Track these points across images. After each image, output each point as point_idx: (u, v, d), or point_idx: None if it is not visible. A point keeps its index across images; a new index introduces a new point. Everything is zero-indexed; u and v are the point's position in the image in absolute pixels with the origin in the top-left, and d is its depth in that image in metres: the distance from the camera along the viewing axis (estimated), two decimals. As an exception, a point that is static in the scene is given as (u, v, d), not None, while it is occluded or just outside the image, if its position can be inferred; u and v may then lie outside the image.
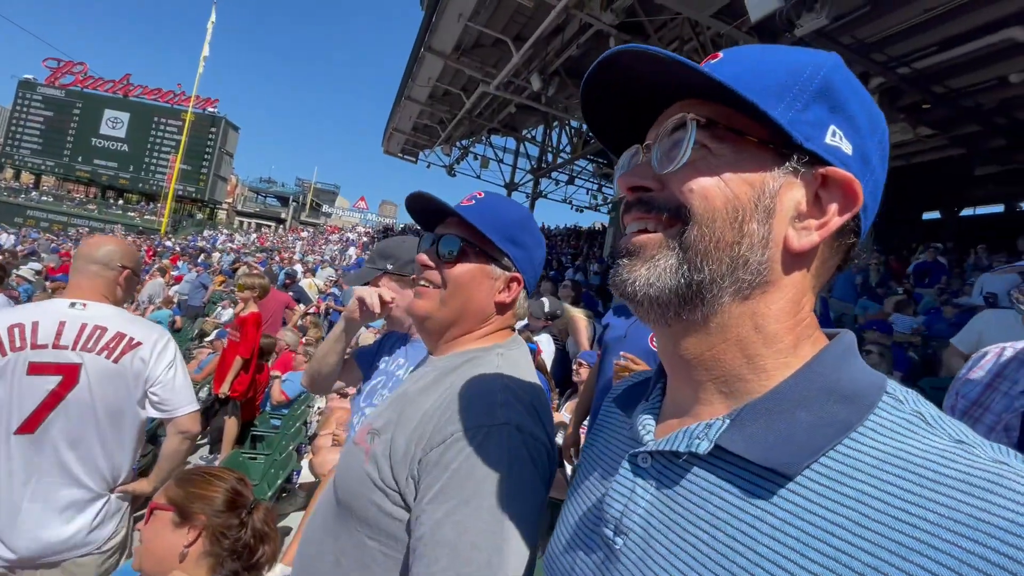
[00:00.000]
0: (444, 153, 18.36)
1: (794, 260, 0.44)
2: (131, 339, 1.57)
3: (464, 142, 19.15)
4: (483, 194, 0.91)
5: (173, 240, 27.83)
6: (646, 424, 0.50)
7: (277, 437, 3.89)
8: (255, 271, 7.92)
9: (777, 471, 0.39)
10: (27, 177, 43.59)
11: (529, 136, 18.46)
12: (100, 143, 43.57)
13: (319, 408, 4.54)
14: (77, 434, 1.49)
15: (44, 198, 40.51)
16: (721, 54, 0.46)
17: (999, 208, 13.31)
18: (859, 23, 6.52)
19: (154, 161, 44.00)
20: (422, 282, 0.89)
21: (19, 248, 16.23)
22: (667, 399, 0.52)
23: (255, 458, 3.45)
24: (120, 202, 42.97)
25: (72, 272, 1.64)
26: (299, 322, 7.08)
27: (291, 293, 7.98)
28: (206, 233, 34.50)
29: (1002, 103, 7.84)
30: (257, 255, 19.68)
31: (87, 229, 31.15)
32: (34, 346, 1.46)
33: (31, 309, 1.54)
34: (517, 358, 0.86)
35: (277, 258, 18.33)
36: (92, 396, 1.50)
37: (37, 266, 9.34)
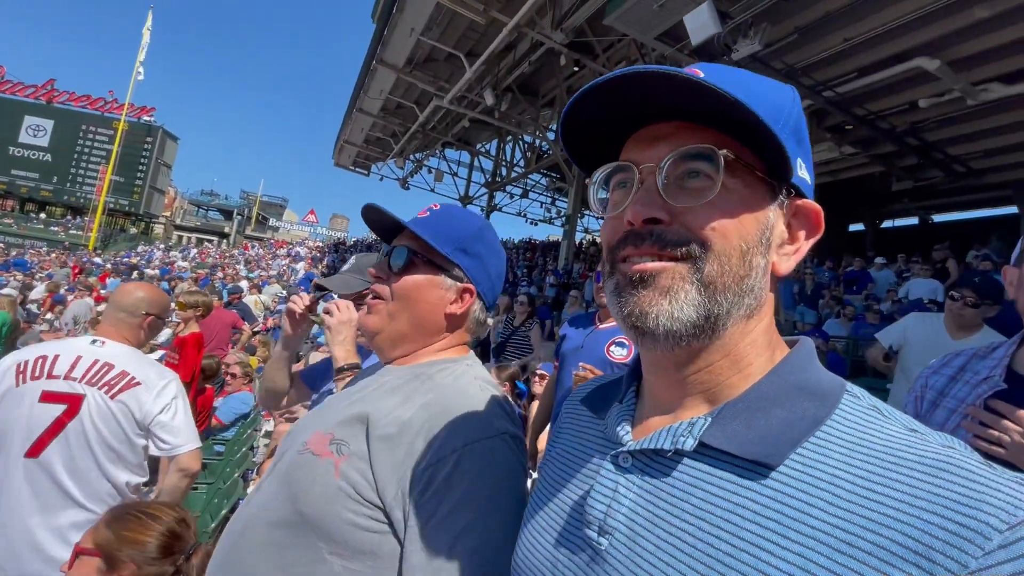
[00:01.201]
0: (397, 166, 18.16)
1: (772, 281, 0.49)
2: (132, 378, 1.66)
3: (418, 155, 19.05)
4: (438, 206, 0.91)
5: (103, 256, 25.98)
6: (623, 425, 0.52)
7: (220, 464, 3.67)
8: (194, 288, 7.51)
9: (760, 462, 0.42)
10: (-69, 188, 39.67)
11: (483, 150, 18.61)
12: (19, 152, 40.15)
13: (266, 431, 4.33)
14: (75, 460, 1.56)
15: (-49, 211, 36.97)
16: (701, 71, 0.44)
17: (914, 220, 14.56)
18: (788, 50, 7.03)
19: (81, 172, 41.02)
20: (371, 296, 0.89)
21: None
22: (645, 401, 0.54)
23: (196, 488, 3.24)
24: (42, 215, 39.73)
25: (103, 314, 1.91)
26: (248, 342, 6.75)
27: (235, 311, 7.61)
28: (140, 248, 32.41)
29: (913, 125, 8.63)
30: (197, 271, 18.67)
31: (2, 244, 28.58)
32: (49, 375, 1.60)
33: (60, 344, 1.72)
34: (482, 372, 0.86)
35: (220, 274, 17.44)
36: (89, 427, 1.58)
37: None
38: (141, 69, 32.91)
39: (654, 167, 0.46)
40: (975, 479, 0.36)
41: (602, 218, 0.51)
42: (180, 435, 1.68)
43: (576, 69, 10.94)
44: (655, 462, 0.47)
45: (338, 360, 1.36)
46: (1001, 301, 2.23)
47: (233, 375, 4.38)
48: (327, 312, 1.41)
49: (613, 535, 0.46)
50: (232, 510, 2.86)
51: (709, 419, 0.46)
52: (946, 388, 1.19)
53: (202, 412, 4.08)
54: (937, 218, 14.00)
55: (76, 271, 16.33)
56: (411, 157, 18.75)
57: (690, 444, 0.45)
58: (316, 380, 1.64)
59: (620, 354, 2.16)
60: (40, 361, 1.61)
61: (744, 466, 0.43)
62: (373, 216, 0.92)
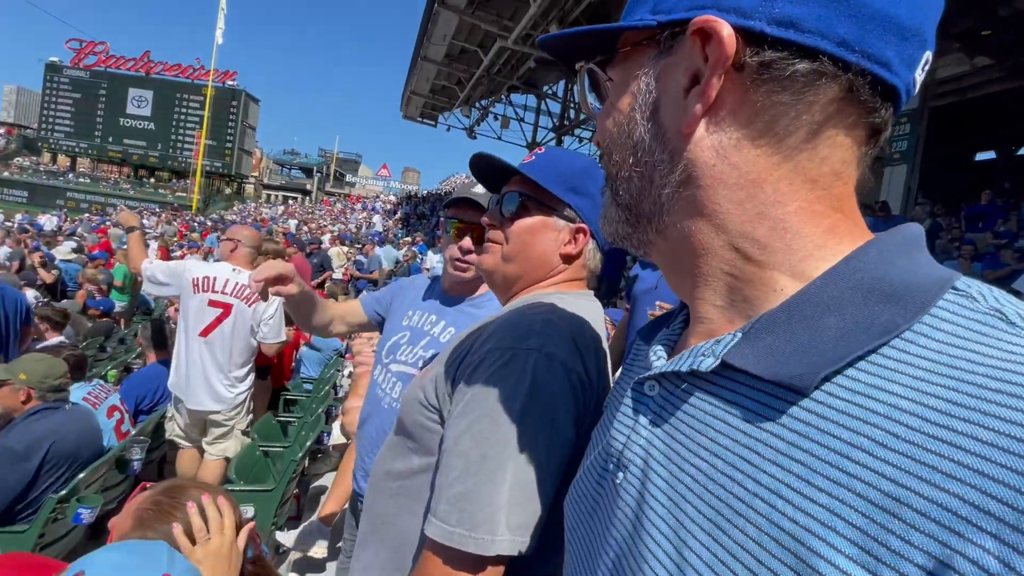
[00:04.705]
0: (464, 115, 17.98)
1: (716, 145, 0.38)
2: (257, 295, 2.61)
3: (484, 102, 18.68)
4: (543, 149, 0.91)
5: (204, 216, 28.49)
6: (657, 350, 0.46)
7: (308, 400, 3.98)
8: (276, 237, 8.03)
9: (787, 385, 0.32)
10: (63, 160, 45.00)
11: (550, 92, 17.86)
12: (128, 122, 44.28)
13: (348, 372, 4.62)
14: (225, 342, 2.79)
15: (81, 180, 41.87)
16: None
17: (1062, 145, 12.26)
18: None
19: (180, 138, 44.63)
20: (488, 241, 0.91)
21: (63, 228, 16.92)
22: (689, 325, 0.46)
23: (291, 422, 3.55)
24: (152, 180, 44.08)
25: (236, 249, 2.91)
26: (326, 286, 7.18)
27: (314, 260, 8.08)
28: (236, 208, 35.17)
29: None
30: (284, 226, 19.99)
31: (123, 207, 32.14)
32: (213, 290, 2.77)
33: (214, 267, 2.84)
34: (579, 304, 0.84)
35: (305, 228, 18.58)
36: (235, 323, 2.80)
37: (73, 244, 9.68)
38: (220, 33, 34.42)
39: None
40: None
41: None
42: (274, 331, 2.93)
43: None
44: (677, 387, 0.41)
45: None
46: None
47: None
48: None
49: (628, 469, 0.42)
50: (318, 442, 3.10)
51: (739, 334, 0.37)
52: None
53: (287, 353, 4.41)
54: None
55: (184, 228, 18.11)
56: (477, 104, 18.42)
57: (708, 364, 0.37)
58: (382, 309, 1.59)
59: None
60: (206, 279, 2.76)
61: (772, 391, 0.34)
62: (481, 164, 0.93)
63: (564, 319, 0.76)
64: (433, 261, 6.29)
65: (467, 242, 1.36)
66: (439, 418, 0.75)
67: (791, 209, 0.37)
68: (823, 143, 0.36)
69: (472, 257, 1.37)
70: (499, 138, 19.52)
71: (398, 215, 24.11)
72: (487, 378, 0.69)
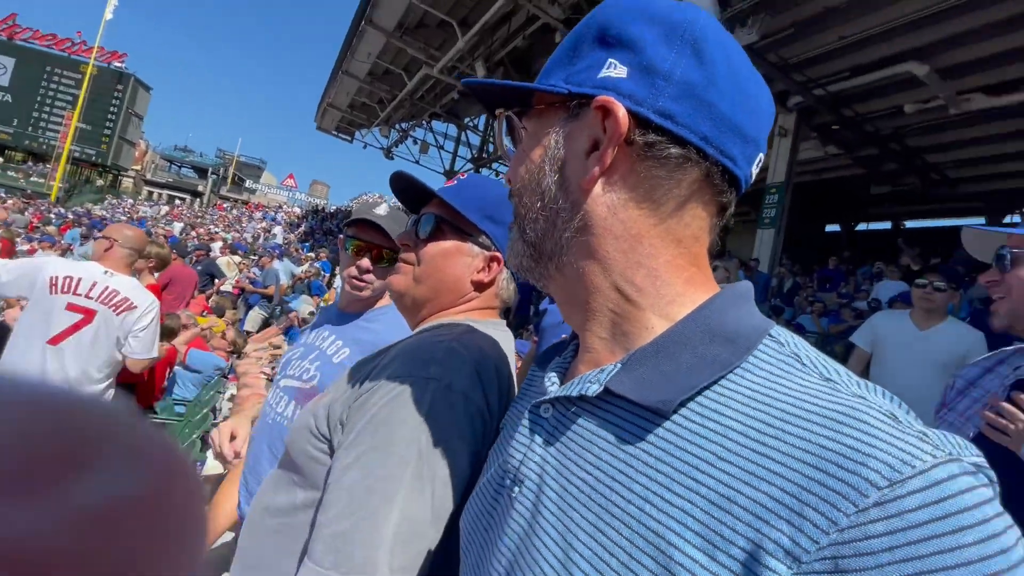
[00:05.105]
0: (382, 134, 17.73)
1: (608, 202, 0.45)
2: (131, 303, 2.48)
3: (404, 125, 18.58)
4: (466, 175, 0.91)
5: (65, 208, 24.77)
6: (551, 376, 0.51)
7: (179, 424, 3.56)
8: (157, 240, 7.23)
9: (654, 409, 0.40)
10: None
11: (471, 124, 18.25)
12: (-24, 90, 37.83)
13: (231, 395, 4.21)
14: (82, 353, 2.41)
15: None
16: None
17: (887, 225, 14.92)
18: (784, 44, 7.01)
19: (45, 116, 38.91)
20: (400, 262, 0.90)
21: None
22: (578, 354, 0.53)
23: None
24: (0, 159, 37.62)
25: (110, 250, 2.55)
26: (211, 300, 6.55)
27: (199, 268, 7.35)
28: (108, 202, 31.02)
29: (896, 130, 8.77)
30: (167, 229, 17.99)
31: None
32: (75, 292, 2.38)
33: (81, 266, 2.45)
34: (489, 333, 0.81)
35: (192, 233, 16.86)
36: (97, 333, 2.41)
37: None
38: (112, 8, 30.98)
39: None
40: (871, 431, 0.32)
41: None
42: (144, 346, 2.55)
43: (571, 47, 10.71)
44: (567, 410, 0.47)
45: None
46: (962, 287, 2.34)
47: (185, 326, 4.33)
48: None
49: (524, 483, 0.46)
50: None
51: (619, 365, 0.44)
52: (978, 379, 1.21)
53: (159, 370, 3.94)
54: (909, 224, 14.36)
55: (38, 218, 15.56)
56: (396, 126, 18.28)
57: (594, 390, 0.43)
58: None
59: None
60: (68, 280, 2.38)
61: (642, 415, 0.41)
62: (401, 184, 0.91)
63: (469, 348, 0.74)
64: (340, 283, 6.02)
65: (365, 262, 1.36)
66: (329, 449, 0.70)
67: (661, 261, 0.45)
68: (687, 212, 0.45)
69: (370, 277, 1.37)
70: (417, 162, 19.45)
71: (302, 228, 22.80)
72: (382, 407, 0.65)
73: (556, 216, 0.47)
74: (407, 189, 0.92)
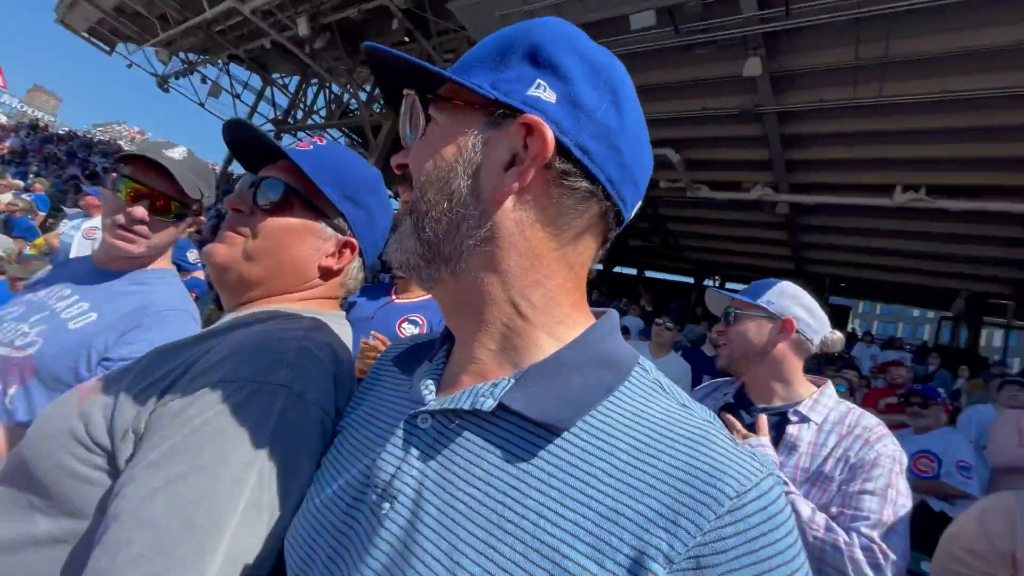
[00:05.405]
0: (159, 58, 14.41)
1: (518, 219, 0.46)
2: None
3: (192, 56, 15.48)
4: (323, 141, 0.79)
5: None
6: (428, 384, 0.50)
7: None
8: None
9: (551, 426, 0.42)
10: None
11: (281, 83, 16.28)
12: None
13: None
14: None
15: None
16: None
17: (634, 271, 18.51)
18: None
19: None
20: (228, 229, 0.74)
21: None
22: (452, 361, 0.53)
23: None
24: None
25: None
26: None
27: None
28: None
29: (652, 199, 11.01)
30: None
31: None
32: None
33: None
34: (337, 329, 0.73)
35: None
36: None
37: None
38: None
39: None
40: (720, 452, 0.39)
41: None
42: None
43: (406, 40, 10.53)
44: (453, 423, 0.46)
45: None
46: (684, 327, 3.31)
47: None
48: None
49: (396, 499, 0.44)
50: None
51: (512, 380, 0.45)
52: (701, 402, 1.62)
53: None
54: (648, 273, 18.03)
55: None
56: (182, 55, 15.12)
57: (489, 405, 0.43)
58: None
59: (411, 331, 1.99)
60: None
61: (536, 431, 0.43)
62: (240, 133, 0.76)
63: (323, 348, 0.65)
64: (66, 228, 4.63)
65: (140, 210, 1.12)
66: (108, 464, 0.54)
67: (555, 283, 0.48)
68: (582, 242, 0.50)
69: (143, 229, 1.13)
70: (202, 104, 16.37)
71: (8, 144, 16.90)
72: (210, 418, 0.52)
73: (462, 220, 0.46)
74: (248, 140, 0.77)
